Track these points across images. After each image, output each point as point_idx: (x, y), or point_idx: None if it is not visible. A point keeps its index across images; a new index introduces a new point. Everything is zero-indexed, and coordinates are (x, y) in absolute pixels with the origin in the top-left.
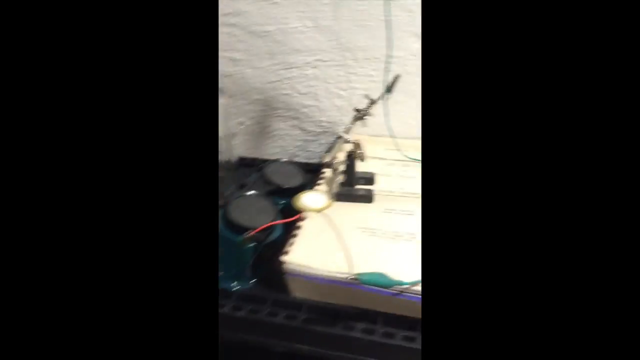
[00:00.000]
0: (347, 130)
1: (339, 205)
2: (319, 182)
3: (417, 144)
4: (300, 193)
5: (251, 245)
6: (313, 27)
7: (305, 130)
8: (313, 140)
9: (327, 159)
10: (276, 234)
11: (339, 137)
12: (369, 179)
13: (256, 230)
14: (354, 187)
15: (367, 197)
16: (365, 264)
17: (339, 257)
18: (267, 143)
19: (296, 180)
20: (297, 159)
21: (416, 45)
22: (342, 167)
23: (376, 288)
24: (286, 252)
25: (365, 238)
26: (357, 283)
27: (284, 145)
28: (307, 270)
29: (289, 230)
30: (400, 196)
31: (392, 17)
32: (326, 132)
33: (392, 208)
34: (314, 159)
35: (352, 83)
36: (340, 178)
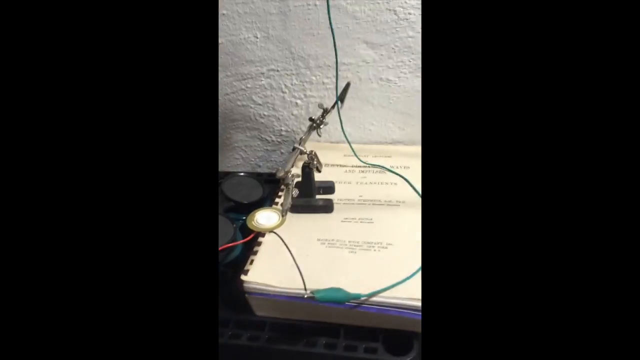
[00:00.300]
0: (302, 142)
1: (299, 217)
2: (278, 194)
3: (375, 149)
4: (253, 211)
5: None
6: (263, 37)
7: (265, 140)
8: (274, 150)
9: (281, 173)
10: (236, 252)
11: (294, 149)
12: (328, 188)
13: None
14: (313, 198)
15: (327, 207)
16: (324, 278)
17: (297, 273)
18: (228, 155)
19: (256, 194)
20: (259, 170)
21: (367, 52)
22: (296, 181)
23: (337, 303)
24: (246, 272)
25: (324, 250)
26: (314, 300)
27: (245, 157)
28: (267, 289)
29: (249, 248)
30: (359, 204)
31: (340, 25)
32: (286, 140)
33: (352, 217)
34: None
35: (307, 91)
36: (295, 192)
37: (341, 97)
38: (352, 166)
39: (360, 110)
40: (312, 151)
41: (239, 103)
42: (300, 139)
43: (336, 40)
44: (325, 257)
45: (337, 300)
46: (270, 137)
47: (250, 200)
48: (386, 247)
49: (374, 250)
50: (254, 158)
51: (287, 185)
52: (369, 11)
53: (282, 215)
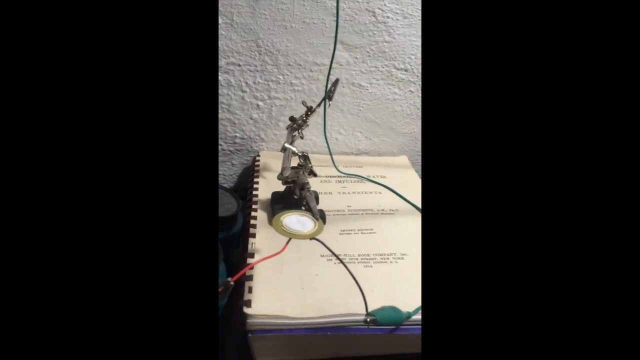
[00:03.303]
0: (291, 141)
1: None
2: (253, 208)
3: (342, 159)
4: (277, 215)
5: None
6: (225, 24)
7: None
8: (224, 161)
9: (287, 173)
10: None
11: (284, 149)
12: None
13: None
14: (301, 209)
15: (320, 218)
16: (349, 299)
17: (312, 298)
18: None
19: (229, 206)
20: None
21: (342, 54)
22: (309, 182)
23: (383, 327)
24: (247, 302)
25: (334, 267)
26: (374, 324)
27: None
28: (283, 322)
29: (233, 273)
30: (352, 214)
31: (317, 21)
32: (240, 150)
33: (349, 228)
34: (225, 184)
35: (272, 92)
36: (311, 193)
37: (330, 95)
38: (327, 176)
39: (328, 117)
40: (304, 152)
41: None
42: (288, 138)
43: (311, 38)
44: (338, 275)
45: (396, 321)
46: (221, 144)
47: (225, 215)
48: (402, 258)
49: (390, 262)
50: None
51: (304, 186)
52: (348, 9)
53: (317, 219)
